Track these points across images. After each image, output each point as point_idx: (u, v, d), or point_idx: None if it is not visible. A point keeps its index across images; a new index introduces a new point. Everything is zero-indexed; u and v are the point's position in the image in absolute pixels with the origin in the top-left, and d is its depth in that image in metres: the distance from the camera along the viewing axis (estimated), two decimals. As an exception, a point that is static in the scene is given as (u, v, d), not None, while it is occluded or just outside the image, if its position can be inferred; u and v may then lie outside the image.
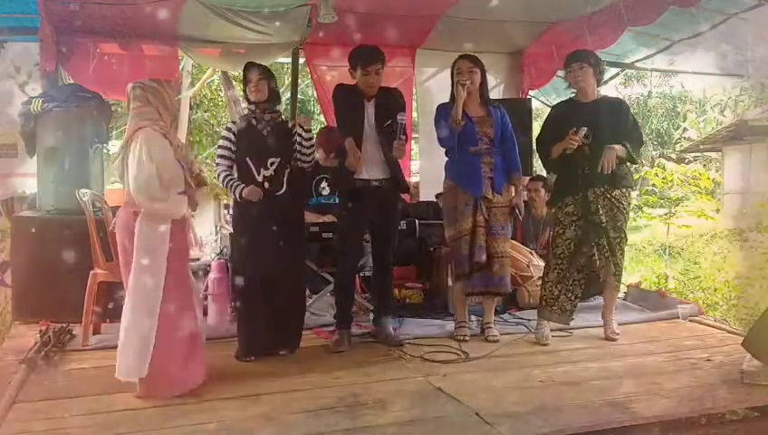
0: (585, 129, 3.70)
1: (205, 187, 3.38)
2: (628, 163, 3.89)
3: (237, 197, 3.56)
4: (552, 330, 3.95)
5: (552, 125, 3.95)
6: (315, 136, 3.78)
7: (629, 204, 3.96)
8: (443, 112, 3.91)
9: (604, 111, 3.85)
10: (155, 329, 2.95)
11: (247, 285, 3.58)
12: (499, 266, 3.90)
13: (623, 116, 3.91)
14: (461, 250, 3.84)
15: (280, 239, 3.52)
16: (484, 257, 3.80)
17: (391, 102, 3.81)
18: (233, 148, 3.61)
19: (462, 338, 3.88)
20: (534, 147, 4.44)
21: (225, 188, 3.67)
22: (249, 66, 3.64)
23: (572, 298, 3.92)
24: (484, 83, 3.95)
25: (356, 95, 3.81)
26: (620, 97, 4.32)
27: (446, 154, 3.99)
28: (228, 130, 3.67)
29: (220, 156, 3.63)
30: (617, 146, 3.75)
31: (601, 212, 3.78)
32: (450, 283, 4.51)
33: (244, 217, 3.60)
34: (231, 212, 4.00)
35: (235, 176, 3.60)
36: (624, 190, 3.85)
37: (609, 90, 7.74)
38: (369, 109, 3.80)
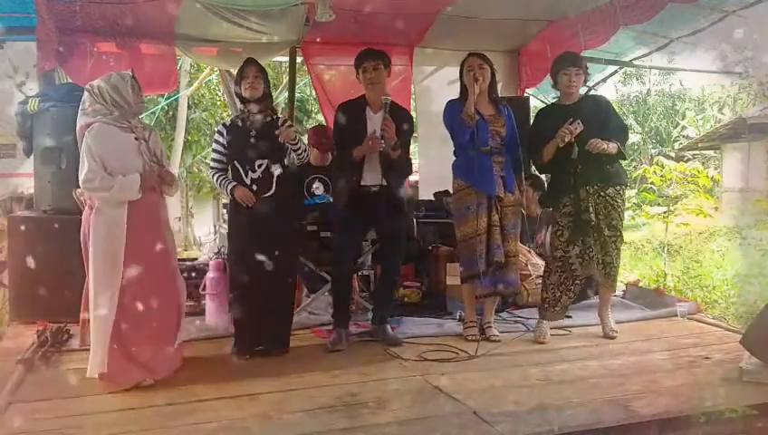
0: (578, 121, 3.68)
1: (171, 186, 3.38)
2: (619, 160, 3.89)
3: (230, 195, 3.59)
4: (550, 328, 3.95)
5: (543, 130, 3.88)
6: (306, 135, 3.78)
7: (624, 202, 3.94)
8: (454, 109, 3.86)
9: (591, 110, 3.85)
10: (111, 321, 3.01)
11: (238, 285, 3.59)
12: (512, 266, 3.90)
13: (609, 112, 3.94)
14: (473, 249, 3.80)
15: (268, 241, 3.51)
16: (503, 257, 3.79)
17: (400, 116, 3.82)
18: (224, 150, 3.63)
19: (472, 338, 3.86)
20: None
21: (220, 188, 3.72)
22: (247, 62, 3.64)
23: (572, 296, 3.95)
24: (493, 82, 3.94)
25: (358, 107, 3.84)
26: (601, 94, 4.31)
27: (455, 153, 3.96)
28: (218, 132, 3.70)
29: (213, 159, 3.69)
30: (610, 143, 3.75)
31: (591, 211, 3.77)
32: (449, 282, 4.51)
33: (236, 217, 3.63)
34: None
35: (229, 176, 3.62)
36: (618, 188, 3.84)
37: (608, 88, 7.74)
38: (376, 119, 3.78)
